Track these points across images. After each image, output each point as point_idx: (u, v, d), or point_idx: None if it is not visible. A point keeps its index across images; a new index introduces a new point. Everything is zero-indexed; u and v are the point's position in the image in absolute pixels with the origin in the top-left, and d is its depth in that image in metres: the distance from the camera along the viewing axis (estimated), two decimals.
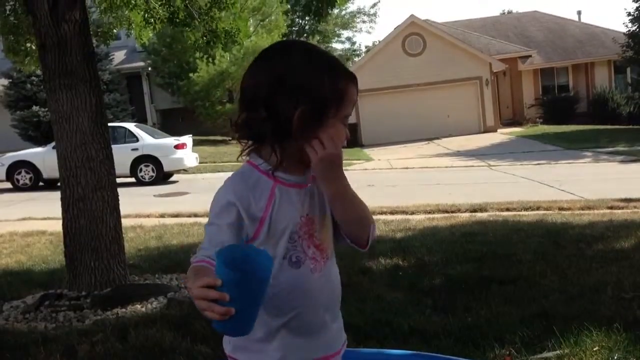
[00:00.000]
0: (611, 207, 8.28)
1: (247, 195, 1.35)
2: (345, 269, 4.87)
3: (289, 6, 35.05)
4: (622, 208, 8.19)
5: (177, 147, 15.05)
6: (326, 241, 1.45)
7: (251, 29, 24.08)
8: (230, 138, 25.76)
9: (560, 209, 8.28)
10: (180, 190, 13.52)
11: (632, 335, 2.99)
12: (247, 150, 1.41)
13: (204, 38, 7.00)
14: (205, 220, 6.73)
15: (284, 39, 23.45)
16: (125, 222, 5.42)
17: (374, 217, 5.81)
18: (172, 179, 15.68)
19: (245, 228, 1.34)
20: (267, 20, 26.60)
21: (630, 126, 24.67)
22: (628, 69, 27.37)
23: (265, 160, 1.38)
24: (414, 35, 26.17)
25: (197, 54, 22.16)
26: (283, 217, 1.37)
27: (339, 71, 1.39)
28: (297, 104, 1.32)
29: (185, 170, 16.01)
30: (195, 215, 9.15)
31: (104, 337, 3.65)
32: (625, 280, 4.07)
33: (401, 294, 4.25)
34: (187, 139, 15.57)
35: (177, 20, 6.77)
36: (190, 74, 23.18)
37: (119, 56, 26.21)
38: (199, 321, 3.73)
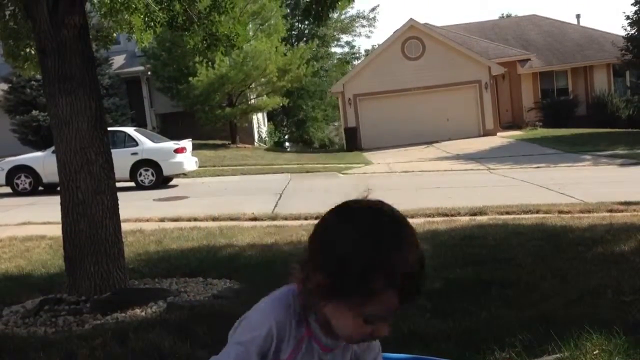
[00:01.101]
0: (611, 210, 8.28)
1: (284, 330, 1.25)
2: None
3: (288, 10, 35.15)
4: (622, 211, 8.19)
5: (176, 151, 15.05)
6: None
7: (250, 33, 24.12)
8: (230, 142, 25.79)
9: (560, 212, 8.28)
10: (180, 195, 13.52)
11: (632, 339, 2.98)
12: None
13: (204, 42, 7.02)
14: (204, 224, 6.70)
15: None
16: (125, 226, 5.41)
17: None
18: (172, 183, 15.68)
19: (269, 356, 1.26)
20: (266, 24, 26.64)
21: (630, 129, 24.69)
22: (627, 72, 27.40)
23: (306, 303, 1.27)
24: (413, 39, 26.22)
25: (197, 58, 22.20)
26: None
27: (386, 264, 1.15)
28: (319, 272, 1.19)
29: (185, 175, 16.02)
30: (195, 220, 9.16)
31: (103, 341, 3.64)
32: (625, 283, 4.07)
33: None
34: (187, 143, 15.58)
35: (177, 24, 6.79)
36: (190, 78, 23.20)
37: (118, 60, 26.24)
38: (199, 326, 3.73)
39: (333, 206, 1.28)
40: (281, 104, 27.39)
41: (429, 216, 8.49)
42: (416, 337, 3.35)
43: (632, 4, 23.66)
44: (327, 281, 1.17)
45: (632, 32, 23.81)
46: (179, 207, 11.03)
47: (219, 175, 16.94)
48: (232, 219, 9.12)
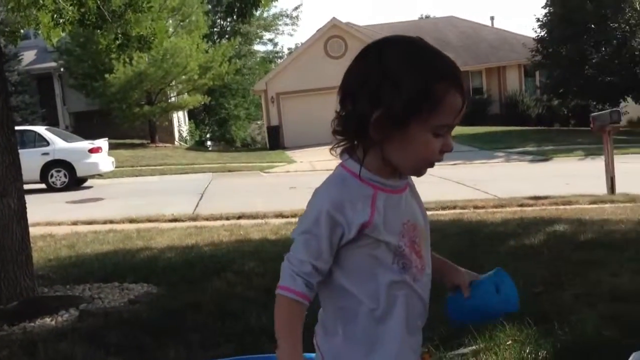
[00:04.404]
0: (522, 205, 8.66)
1: (346, 203, 1.28)
2: (267, 273, 4.83)
3: (209, 7, 34.55)
4: (532, 206, 8.59)
5: (91, 151, 14.50)
6: (425, 250, 1.39)
7: (170, 29, 23.56)
8: (148, 141, 25.11)
9: (476, 207, 8.57)
10: (94, 196, 13.03)
11: (542, 329, 3.11)
12: (337, 147, 1.33)
13: (116, 41, 6.75)
14: (121, 226, 6.47)
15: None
16: (34, 230, 5.15)
17: (296, 219, 5.79)
18: (86, 184, 15.10)
19: (345, 235, 1.28)
20: (187, 20, 26.10)
21: (539, 127, 25.94)
22: (537, 73, 28.77)
23: (359, 164, 1.30)
24: (336, 37, 26.46)
25: (114, 55, 21.51)
26: (389, 223, 1.31)
27: (434, 70, 1.25)
28: (377, 104, 1.23)
29: (101, 175, 15.46)
30: (111, 222, 8.83)
31: (10, 353, 3.43)
32: (535, 275, 4.24)
33: None
34: (103, 143, 15.04)
35: (88, 22, 6.49)
36: (106, 75, 22.39)
37: (28, 56, 25.01)
38: (114, 333, 3.58)
39: (361, 49, 1.34)
40: (202, 102, 26.92)
41: None
42: None
43: (542, 7, 24.86)
44: (390, 107, 1.22)
45: (542, 33, 25.00)
46: (93, 210, 10.63)
47: (137, 176, 16.46)
48: (150, 221, 8.86)
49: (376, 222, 1.29)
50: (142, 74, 22.62)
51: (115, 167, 15.95)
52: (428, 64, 1.25)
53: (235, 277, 4.79)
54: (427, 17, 46.35)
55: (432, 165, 1.31)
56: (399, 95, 1.21)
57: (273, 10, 42.72)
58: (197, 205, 10.89)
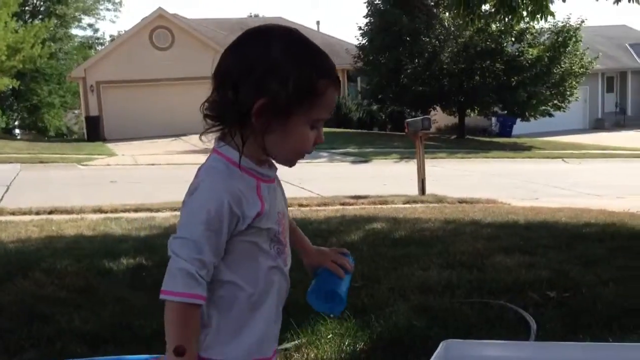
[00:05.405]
0: (344, 204, 9.07)
1: (240, 194, 1.29)
2: (81, 271, 4.52)
3: None
4: (353, 204, 9.03)
5: None
6: (288, 238, 1.46)
7: None
8: None
9: (300, 205, 8.80)
10: None
11: (361, 322, 3.26)
12: (210, 132, 1.33)
13: None
14: None
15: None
16: None
17: (116, 214, 5.50)
18: None
19: (238, 227, 1.29)
20: None
21: (360, 130, 27.39)
22: (359, 78, 30.29)
23: (238, 151, 1.30)
24: (162, 28, 25.65)
25: None
26: (270, 213, 1.35)
27: (318, 67, 1.30)
28: (262, 94, 1.25)
29: None
30: None
31: None
32: (354, 270, 4.43)
33: (145, 294, 4.06)
34: None
35: None
36: None
37: None
38: None
39: (235, 37, 1.34)
40: (10, 86, 24.55)
41: (176, 210, 8.34)
42: (159, 336, 3.22)
43: (364, 16, 26.26)
44: (276, 98, 1.25)
45: (363, 41, 26.40)
46: None
47: None
48: None
49: (266, 212, 1.32)
50: None
51: None
52: (313, 59, 1.31)
53: (45, 276, 4.41)
54: (256, 15, 46.65)
55: (303, 157, 1.37)
56: (285, 87, 1.25)
57: None
58: (1, 198, 9.89)
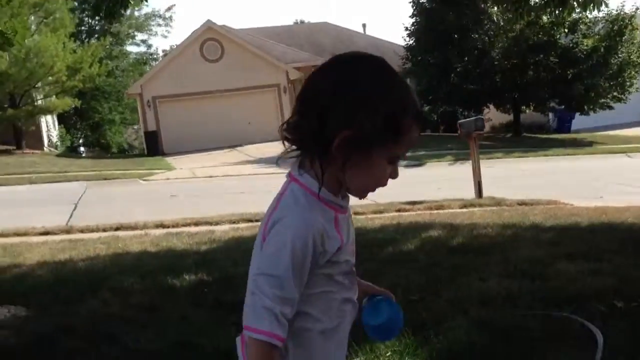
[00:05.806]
0: (399, 210, 9.00)
1: (323, 229, 1.28)
2: (146, 289, 4.67)
3: (75, 3, 32.77)
4: (409, 210, 8.95)
5: None
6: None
7: (33, 27, 22.12)
8: (14, 147, 23.37)
9: (356, 213, 8.79)
10: None
11: (420, 338, 3.24)
12: (288, 157, 1.32)
13: None
14: None
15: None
16: None
17: (178, 229, 5.62)
18: None
19: (319, 262, 1.29)
20: (51, 17, 24.61)
21: (421, 133, 27.10)
22: (408, 80, 30.06)
23: (317, 181, 1.29)
24: (212, 40, 26.13)
25: None
26: (347, 246, 1.36)
27: (406, 104, 1.28)
28: (348, 125, 1.23)
29: None
30: None
31: None
32: (412, 282, 4.42)
33: (205, 312, 4.16)
34: None
35: None
36: None
37: None
38: None
39: (321, 63, 1.34)
40: (73, 106, 25.53)
41: (234, 222, 8.48)
42: (222, 355, 3.30)
43: (409, 16, 26.04)
44: (362, 131, 1.22)
45: (410, 42, 26.16)
46: None
47: (2, 185, 15.28)
48: (18, 235, 8.24)
49: (344, 245, 1.33)
50: (3, 74, 21.05)
51: None
52: (401, 95, 1.29)
53: (112, 295, 4.58)
54: (302, 22, 47.00)
55: (375, 190, 1.37)
56: (373, 122, 1.23)
57: (144, 10, 41.50)
58: (70, 216, 10.29)
